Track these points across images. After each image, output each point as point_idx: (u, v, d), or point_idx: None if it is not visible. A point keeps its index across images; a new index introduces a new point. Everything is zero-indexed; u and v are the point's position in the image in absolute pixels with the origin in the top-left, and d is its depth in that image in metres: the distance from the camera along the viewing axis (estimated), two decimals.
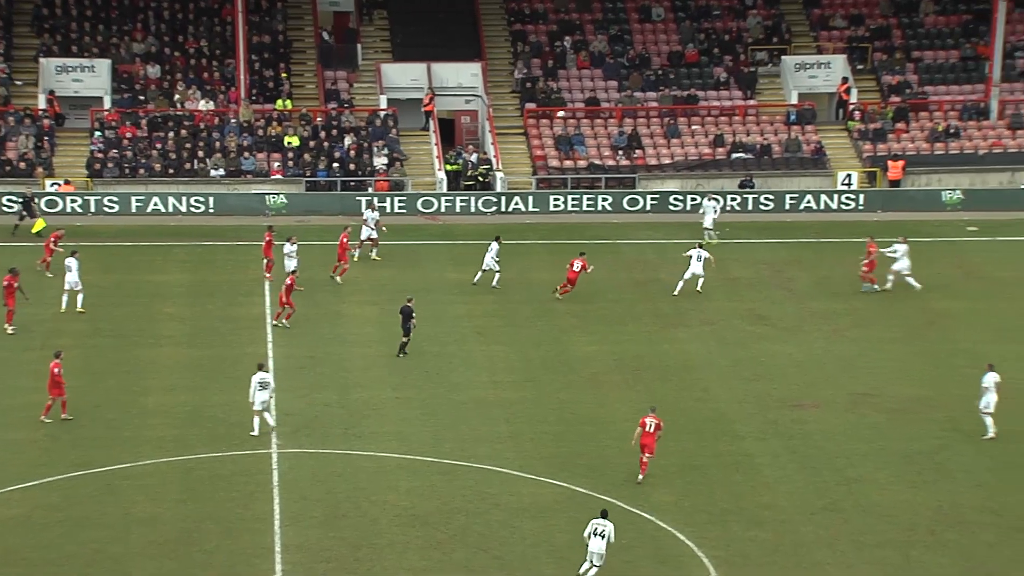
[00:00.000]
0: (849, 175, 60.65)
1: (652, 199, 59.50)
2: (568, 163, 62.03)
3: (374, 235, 51.56)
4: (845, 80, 63.97)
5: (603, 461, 35.61)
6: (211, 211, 57.92)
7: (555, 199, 59.52)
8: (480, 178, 61.01)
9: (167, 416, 37.87)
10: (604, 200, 59.39)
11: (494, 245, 48.24)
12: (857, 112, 63.64)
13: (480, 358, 42.45)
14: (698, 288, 47.70)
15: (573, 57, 66.23)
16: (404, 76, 64.24)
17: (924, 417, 38.26)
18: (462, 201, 58.69)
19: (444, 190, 60.20)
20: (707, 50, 66.64)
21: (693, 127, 63.51)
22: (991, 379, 36.68)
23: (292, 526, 31.94)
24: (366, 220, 51.90)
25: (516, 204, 59.17)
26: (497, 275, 48.07)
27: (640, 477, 34.07)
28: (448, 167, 61.27)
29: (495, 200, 59.02)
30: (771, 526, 32.32)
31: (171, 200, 57.88)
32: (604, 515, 29.87)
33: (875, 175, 61.12)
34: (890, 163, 60.90)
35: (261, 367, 36.96)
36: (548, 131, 63.26)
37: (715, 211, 54.59)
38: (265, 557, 30.58)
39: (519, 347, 43.25)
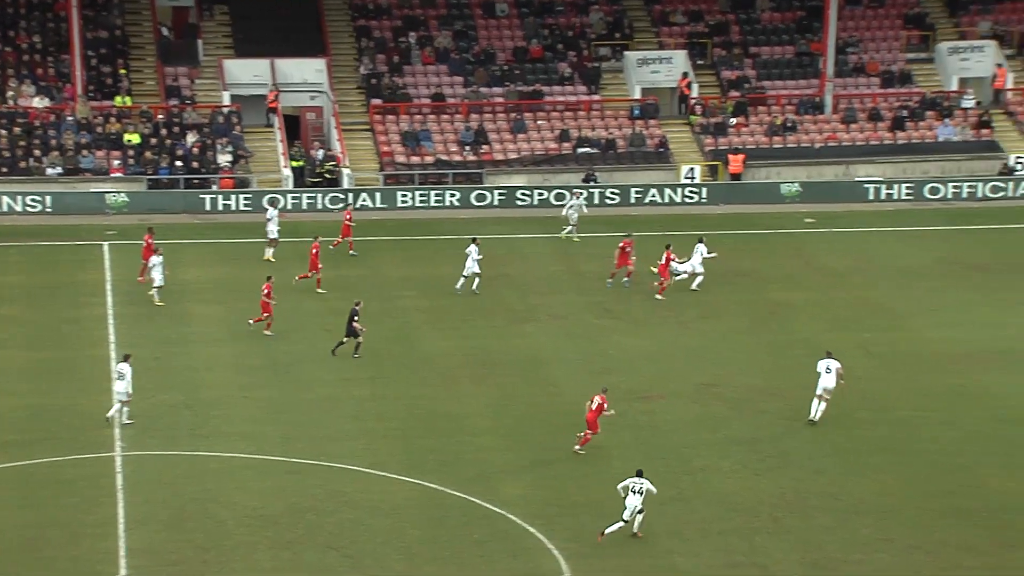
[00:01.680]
0: (692, 169, 61.46)
1: (499, 194, 59.62)
2: (415, 159, 61.83)
3: (275, 235, 50.92)
4: (685, 75, 64.80)
5: (455, 456, 35.55)
6: (48, 210, 56.49)
7: (403, 195, 59.28)
8: (327, 175, 60.49)
9: (6, 420, 36.82)
10: (452, 196, 59.33)
11: (472, 248, 47.39)
12: (698, 107, 64.54)
13: (330, 355, 42.02)
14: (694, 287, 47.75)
15: (418, 53, 66.03)
16: (247, 72, 63.35)
17: (766, 406, 38.91)
18: (309, 198, 58.11)
19: (290, 187, 59.55)
20: (551, 46, 66.97)
21: (539, 122, 63.79)
22: (824, 365, 37.30)
23: (137, 530, 31.29)
24: (270, 218, 51.13)
25: (363, 200, 58.79)
26: (478, 279, 47.22)
27: (577, 448, 35.45)
28: (294, 163, 60.61)
29: (342, 196, 58.55)
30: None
31: (5, 200, 56.34)
32: (640, 474, 31.30)
33: (717, 168, 62.04)
34: (731, 157, 61.88)
35: (126, 358, 36.31)
36: (394, 127, 62.98)
37: (581, 208, 54.79)
38: (110, 562, 29.90)
39: (369, 344, 42.93)
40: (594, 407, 35.41)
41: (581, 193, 56.12)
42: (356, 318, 41.70)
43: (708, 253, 47.49)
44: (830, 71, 64.26)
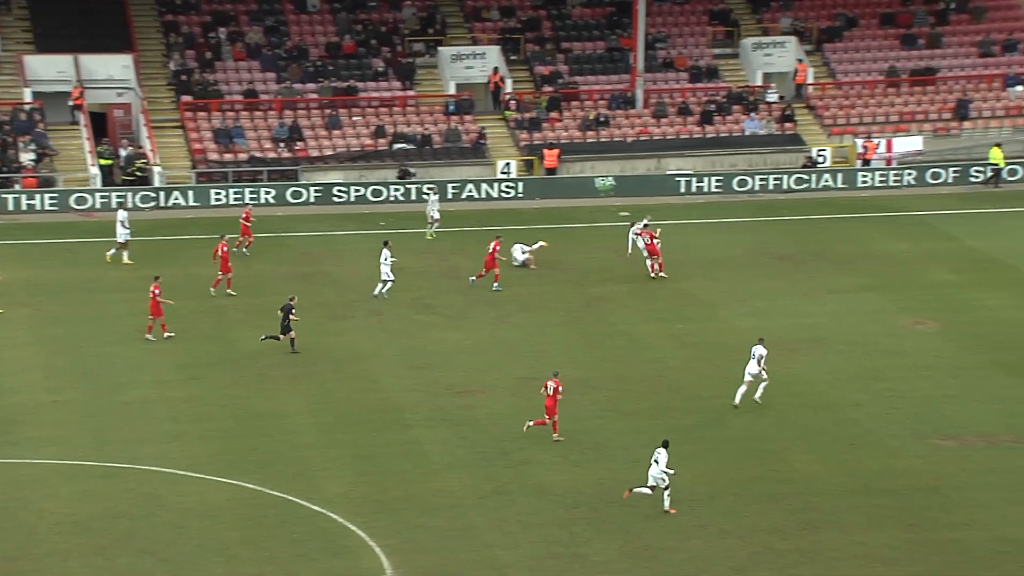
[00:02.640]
0: (508, 164, 61.81)
1: (316, 191, 59.14)
2: (228, 156, 60.94)
3: (127, 237, 49.54)
4: (496, 70, 65.11)
5: (274, 456, 35.15)
6: None
7: (216, 193, 58.39)
8: (138, 173, 59.22)
9: None
10: (267, 193, 58.65)
11: (386, 252, 46.67)
12: (513, 102, 64.93)
13: (143, 357, 41.19)
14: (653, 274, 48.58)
15: (229, 48, 65.09)
16: (50, 68, 61.66)
17: (584, 398, 39.32)
18: (118, 197, 56.79)
19: (99, 186, 58.13)
20: (364, 41, 66.67)
21: (354, 118, 63.44)
22: (757, 351, 38.15)
23: None
24: (122, 221, 49.69)
25: (176, 199, 57.73)
26: (390, 284, 46.56)
27: (555, 436, 36.00)
28: (102, 162, 59.21)
29: (153, 195, 57.37)
30: (441, 512, 32.58)
31: None
32: (665, 445, 32.46)
33: (532, 163, 62.48)
34: (545, 151, 62.38)
35: None
36: (206, 124, 61.98)
37: (436, 203, 54.63)
38: None
39: (184, 343, 42.19)
40: (550, 392, 35.91)
41: (435, 189, 55.95)
42: (292, 312, 41.44)
43: (532, 246, 47.85)
44: (640, 66, 65.24)
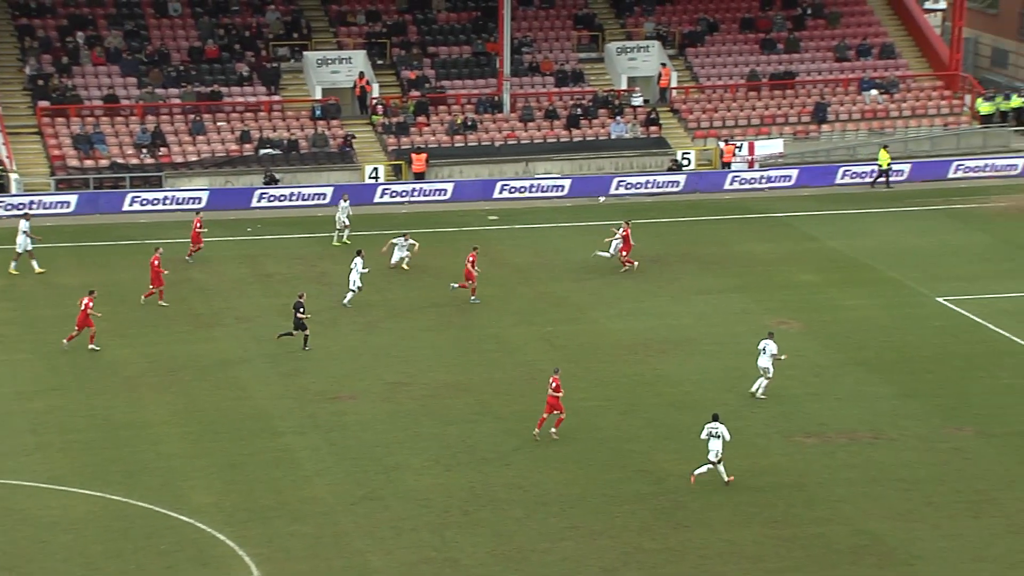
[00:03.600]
0: (376, 169, 61.64)
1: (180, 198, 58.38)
2: (89, 162, 59.87)
3: (29, 246, 48.33)
4: (363, 75, 64.92)
5: (140, 466, 34.66)
6: None
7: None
8: None
9: None
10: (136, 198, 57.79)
11: (358, 260, 46.27)
12: (380, 106, 64.79)
13: (2, 369, 40.29)
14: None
15: (87, 53, 63.98)
16: None
17: (456, 402, 39.42)
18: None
19: None
20: (228, 46, 66.01)
21: (219, 124, 62.76)
22: (763, 345, 39.42)
23: None
24: (24, 231, 48.41)
25: (36, 206, 56.52)
26: (355, 293, 46.29)
27: (552, 430, 36.68)
28: None
29: (16, 204, 56.13)
30: (312, 519, 32.42)
31: None
32: (716, 418, 34.09)
33: (400, 168, 62.40)
34: (414, 156, 62.34)
35: None
36: (65, 130, 60.84)
37: (347, 209, 54.10)
38: None
39: (45, 355, 41.39)
40: (551, 390, 36.45)
41: (347, 197, 55.49)
42: (301, 310, 41.72)
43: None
44: (507, 70, 65.54)
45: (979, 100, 67.55)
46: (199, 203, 58.23)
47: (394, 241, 50.52)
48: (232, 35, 66.43)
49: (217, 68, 65.00)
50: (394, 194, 60.64)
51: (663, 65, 67.98)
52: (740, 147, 64.00)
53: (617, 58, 68.25)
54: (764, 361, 39.55)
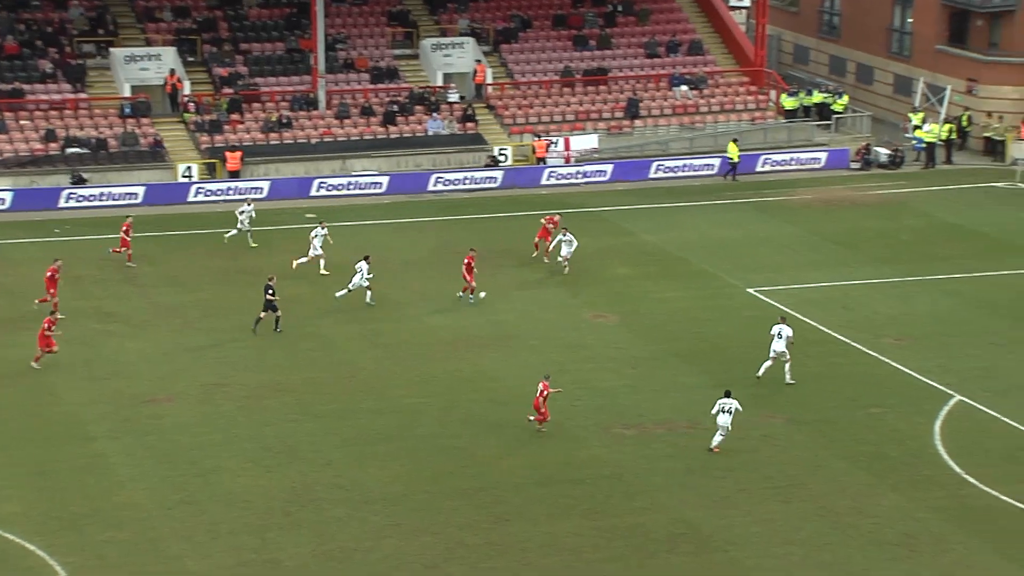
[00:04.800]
0: (189, 167, 60.62)
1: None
2: None
3: None
4: (173, 72, 63.79)
5: None
6: None
7: None
8: None
9: None
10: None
11: (363, 265, 45.91)
12: (192, 104, 63.73)
13: None
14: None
15: None
16: None
17: (275, 402, 39.02)
18: None
19: None
20: (29, 42, 64.19)
21: (21, 122, 60.99)
22: (776, 330, 40.15)
23: None
24: None
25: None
26: (370, 292, 46.21)
27: (539, 427, 37.03)
28: None
29: None
30: (128, 525, 31.77)
31: None
32: (728, 395, 35.77)
33: (215, 166, 61.48)
34: (228, 154, 61.47)
35: None
36: None
37: (251, 214, 53.05)
38: None
39: None
40: (538, 393, 36.63)
41: (251, 201, 54.27)
42: (271, 292, 42.87)
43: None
44: (321, 67, 65.06)
45: (783, 95, 69.38)
46: (3, 204, 56.56)
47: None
48: (33, 31, 64.62)
49: (18, 65, 63.16)
50: (208, 193, 59.72)
51: (478, 62, 68.24)
52: (556, 143, 64.61)
53: (432, 55, 68.30)
54: (779, 346, 40.15)
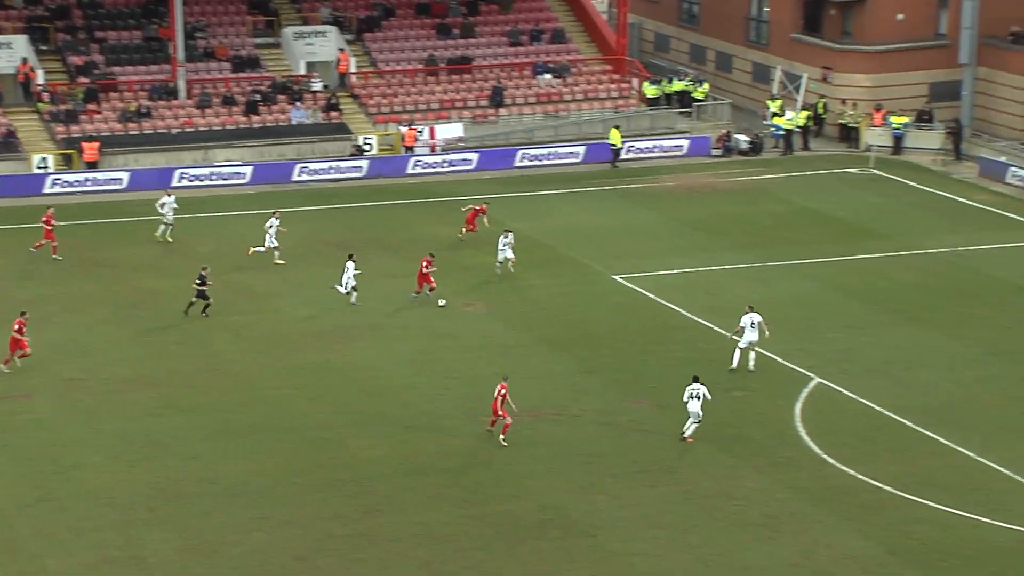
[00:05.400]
0: (45, 158, 59.25)
1: None
2: None
3: None
4: (26, 60, 62.25)
5: None
6: None
7: None
8: None
9: None
10: None
11: (350, 264, 44.71)
12: (46, 93, 62.27)
13: None
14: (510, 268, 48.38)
15: None
16: None
17: (139, 396, 38.37)
18: None
19: None
20: None
21: None
22: (748, 320, 40.09)
23: None
24: None
25: None
26: (355, 293, 45.10)
27: (490, 430, 36.04)
28: None
29: None
30: None
31: None
32: (696, 380, 35.68)
33: (71, 157, 60.15)
34: (84, 144, 60.22)
35: None
36: None
37: (172, 208, 51.77)
38: None
39: None
40: (496, 395, 35.68)
41: (171, 194, 52.84)
42: (199, 281, 43.15)
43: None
44: (181, 56, 64.04)
45: (645, 83, 70.00)
46: None
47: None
48: None
49: None
50: (65, 184, 58.45)
51: (341, 50, 67.73)
52: (421, 132, 64.40)
53: (294, 43, 67.62)
54: (753, 335, 40.27)
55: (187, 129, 63.08)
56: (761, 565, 30.51)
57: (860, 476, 34.54)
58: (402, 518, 32.31)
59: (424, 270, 46.10)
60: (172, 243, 51.53)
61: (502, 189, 60.51)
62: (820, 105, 67.78)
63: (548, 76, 69.06)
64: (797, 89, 68.80)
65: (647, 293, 47.47)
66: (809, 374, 40.63)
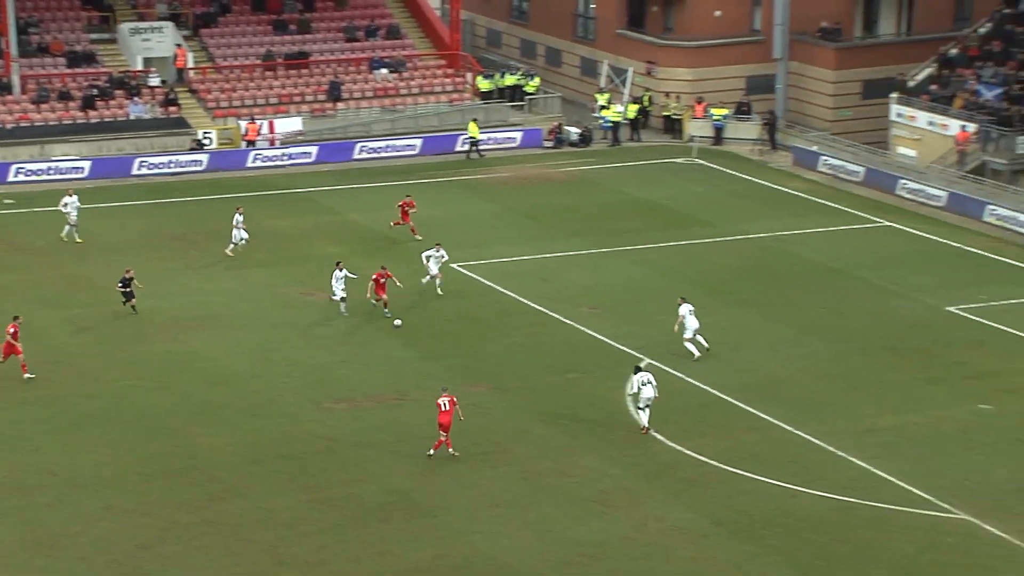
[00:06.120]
0: None
1: None
2: None
3: None
4: None
5: None
6: None
7: None
8: None
9: None
10: None
11: (338, 272, 42.67)
12: None
13: None
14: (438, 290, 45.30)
15: None
16: None
17: None
18: None
19: None
20: None
21: None
22: (686, 309, 40.34)
23: None
24: None
25: None
26: (343, 303, 42.95)
27: (451, 451, 34.13)
28: None
29: None
30: None
31: None
32: (638, 370, 35.68)
33: None
34: None
35: None
36: None
37: (75, 207, 49.76)
38: None
39: None
40: (446, 407, 33.90)
41: (74, 193, 50.77)
42: (123, 285, 42.29)
43: None
44: (14, 51, 62.26)
45: (479, 78, 70.18)
46: None
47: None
48: None
49: None
50: None
51: (178, 46, 66.54)
52: (260, 126, 63.63)
53: (131, 39, 66.22)
54: (695, 322, 40.37)
55: (23, 124, 61.36)
56: (596, 539, 30.91)
57: (687, 452, 35.18)
58: (247, 504, 31.96)
59: (381, 280, 43.64)
60: (80, 243, 49.91)
61: (340, 181, 60.16)
62: (645, 98, 68.71)
63: (384, 71, 68.79)
64: (624, 83, 69.65)
65: (485, 280, 47.65)
66: (639, 355, 41.23)
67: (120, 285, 43.07)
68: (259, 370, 39.63)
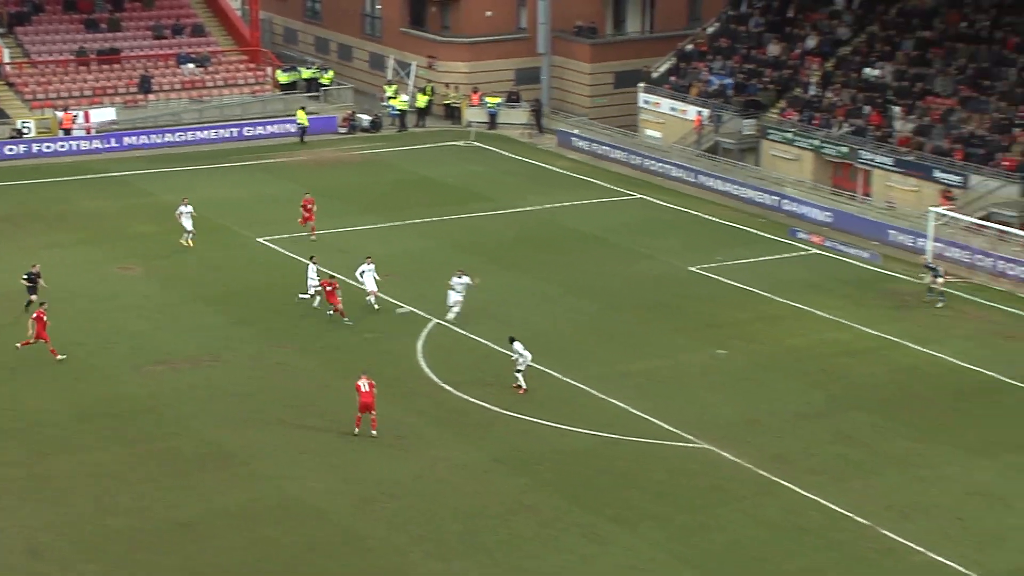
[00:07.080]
0: None
1: None
2: None
3: None
4: None
5: None
6: None
7: None
8: None
9: None
10: None
11: (311, 267, 39.53)
12: None
13: None
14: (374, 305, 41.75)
15: None
16: None
17: None
18: None
19: None
20: None
21: None
22: (462, 280, 39.94)
23: None
24: None
25: None
26: (319, 297, 39.94)
27: (373, 432, 32.64)
28: None
29: None
30: None
31: None
32: (512, 340, 35.44)
33: None
34: None
35: None
36: None
37: (189, 215, 46.63)
38: None
39: None
40: (366, 389, 32.49)
41: (189, 203, 47.35)
42: (28, 278, 39.48)
43: None
44: None
45: (278, 71, 69.23)
46: None
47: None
48: None
49: None
50: None
51: None
52: (76, 116, 61.48)
53: None
54: (457, 296, 39.84)
55: None
56: (393, 478, 31.15)
57: (472, 400, 35.65)
58: (74, 458, 31.18)
59: (328, 288, 40.88)
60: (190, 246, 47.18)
61: (152, 166, 58.68)
62: (428, 89, 68.82)
63: (191, 65, 67.22)
64: (408, 75, 69.61)
65: (289, 253, 47.18)
66: (428, 316, 41.51)
67: (25, 279, 40.32)
68: (82, 338, 38.52)
